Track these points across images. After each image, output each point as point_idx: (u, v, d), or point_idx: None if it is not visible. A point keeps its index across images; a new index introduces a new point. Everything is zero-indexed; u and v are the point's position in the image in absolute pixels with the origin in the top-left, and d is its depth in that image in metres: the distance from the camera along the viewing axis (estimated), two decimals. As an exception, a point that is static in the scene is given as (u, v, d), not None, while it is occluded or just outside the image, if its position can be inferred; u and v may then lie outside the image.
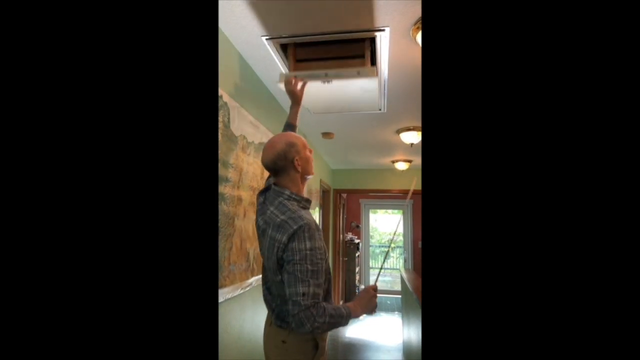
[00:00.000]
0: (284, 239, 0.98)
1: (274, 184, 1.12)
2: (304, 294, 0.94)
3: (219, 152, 1.44)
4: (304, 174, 1.13)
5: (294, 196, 1.09)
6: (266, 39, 1.50)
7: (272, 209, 1.07)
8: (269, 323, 1.14)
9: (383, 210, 7.10)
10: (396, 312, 5.34)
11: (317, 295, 0.96)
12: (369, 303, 1.16)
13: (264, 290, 1.17)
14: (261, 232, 1.09)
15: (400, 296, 4.47)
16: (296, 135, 1.16)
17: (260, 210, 1.12)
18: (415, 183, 1.43)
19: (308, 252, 0.96)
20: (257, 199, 1.18)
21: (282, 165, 1.09)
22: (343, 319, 1.00)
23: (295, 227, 0.98)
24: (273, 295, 1.11)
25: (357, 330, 4.45)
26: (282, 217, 1.02)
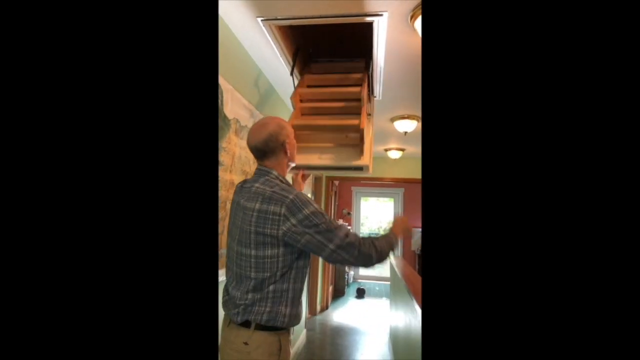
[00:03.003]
0: (282, 210, 0.94)
1: (260, 166, 1.09)
2: (347, 235, 0.98)
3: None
4: (290, 159, 1.12)
5: (281, 178, 1.07)
6: (262, 21, 1.47)
7: (257, 185, 1.02)
8: (226, 324, 1.04)
9: (375, 198, 7.17)
10: (384, 298, 5.44)
11: (354, 234, 1.01)
12: (405, 226, 1.22)
13: (224, 290, 1.09)
14: (240, 209, 1.03)
15: (388, 283, 4.55)
16: (284, 120, 1.15)
17: (239, 193, 1.08)
18: None
19: (317, 211, 0.97)
20: (235, 189, 1.15)
21: (272, 147, 1.06)
22: (392, 239, 1.10)
23: (290, 197, 0.96)
24: (241, 285, 1.01)
25: (345, 315, 4.53)
26: (272, 189, 0.99)
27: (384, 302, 5.20)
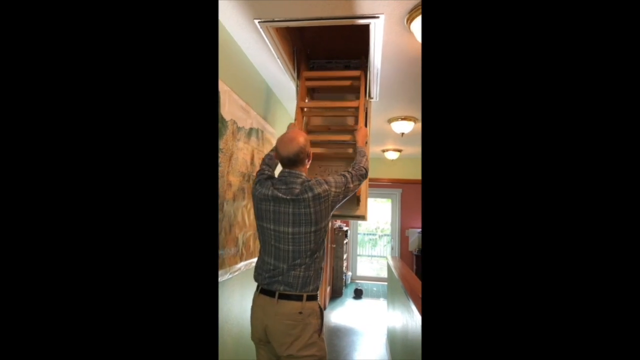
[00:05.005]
0: (325, 186, 1.33)
1: (291, 170, 1.37)
2: (350, 174, 1.44)
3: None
4: (307, 167, 1.43)
5: (308, 179, 1.40)
6: (259, 22, 1.47)
7: (298, 186, 1.33)
8: (273, 303, 1.29)
9: (372, 199, 7.17)
10: (381, 298, 5.45)
11: (349, 172, 1.46)
12: (365, 137, 1.70)
13: (268, 271, 1.35)
14: (282, 201, 1.32)
15: (386, 283, 4.56)
16: (304, 133, 1.48)
17: (271, 187, 1.35)
18: None
19: (337, 182, 1.39)
20: (263, 182, 1.40)
21: (302, 157, 1.36)
22: (365, 151, 1.59)
23: (321, 179, 1.37)
24: (297, 261, 1.31)
25: (343, 315, 4.53)
26: (311, 182, 1.34)
27: (382, 302, 5.20)
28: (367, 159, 1.55)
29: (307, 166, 1.43)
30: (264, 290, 1.33)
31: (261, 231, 1.38)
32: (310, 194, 1.30)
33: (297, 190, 1.31)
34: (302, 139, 1.37)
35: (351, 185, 1.41)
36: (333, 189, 1.35)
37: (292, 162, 1.36)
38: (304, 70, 1.92)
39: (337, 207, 1.41)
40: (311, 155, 1.44)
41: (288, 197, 1.31)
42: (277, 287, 1.31)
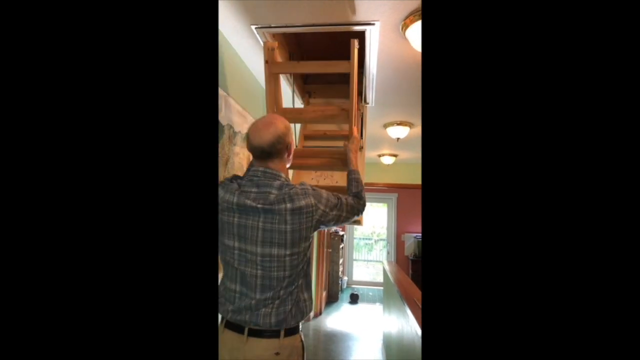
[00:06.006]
0: (312, 200, 1.02)
1: (265, 168, 1.03)
2: (346, 200, 1.14)
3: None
4: (289, 160, 1.12)
5: (288, 180, 1.07)
6: (256, 28, 1.49)
7: (274, 191, 1.00)
8: (242, 341, 0.97)
9: (368, 203, 7.20)
10: (377, 303, 5.44)
11: (344, 196, 1.16)
12: (355, 144, 1.37)
13: (230, 299, 1.02)
14: (254, 210, 0.99)
15: (382, 288, 4.56)
16: (285, 120, 1.11)
17: (237, 194, 1.00)
18: None
19: (330, 196, 1.10)
20: (227, 184, 1.04)
21: (279, 148, 1.03)
22: (360, 177, 1.27)
23: (308, 187, 1.05)
24: (266, 289, 0.99)
25: (339, 320, 4.52)
26: (294, 189, 1.02)
27: (378, 307, 5.19)
28: (364, 198, 1.23)
29: (288, 163, 1.12)
30: (229, 324, 1.00)
31: (222, 250, 1.04)
32: (288, 205, 0.98)
33: (272, 197, 0.98)
34: (281, 124, 1.04)
35: (343, 214, 1.10)
36: (322, 207, 1.03)
37: (266, 154, 1.02)
38: (300, 75, 1.93)
39: (323, 228, 1.11)
40: (292, 147, 1.10)
41: (259, 206, 0.98)
42: (246, 319, 0.98)
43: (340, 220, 1.11)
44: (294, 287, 1.02)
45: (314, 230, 1.05)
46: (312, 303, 1.10)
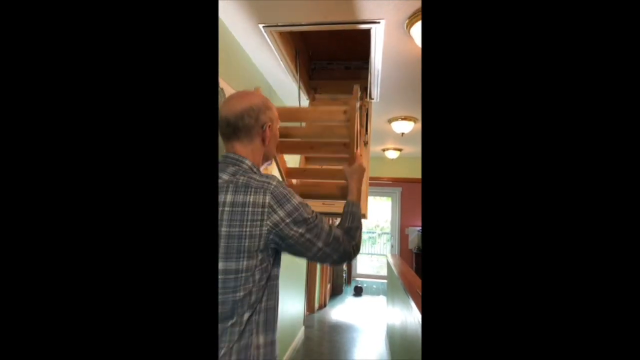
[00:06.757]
0: (267, 199, 0.73)
1: (228, 152, 0.82)
2: (330, 228, 0.82)
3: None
4: (267, 153, 0.87)
5: (255, 169, 0.81)
6: (263, 27, 1.52)
7: (224, 177, 0.77)
8: None
9: (372, 197, 7.23)
10: (381, 295, 5.50)
11: (331, 224, 0.85)
12: (359, 173, 1.02)
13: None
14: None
15: (385, 281, 4.61)
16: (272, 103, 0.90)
17: None
18: None
19: (303, 201, 0.80)
20: None
21: (248, 124, 0.80)
22: (359, 214, 0.93)
23: (273, 183, 0.76)
24: (222, 325, 0.71)
25: (343, 312, 4.59)
26: (245, 177, 0.76)
27: (382, 299, 5.26)
28: (359, 242, 0.89)
29: (263, 151, 0.85)
30: None
31: None
32: (228, 197, 0.74)
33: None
34: (258, 99, 0.83)
35: (318, 245, 0.78)
36: (280, 213, 0.74)
37: (231, 128, 0.80)
38: (306, 71, 1.96)
39: (287, 251, 0.79)
40: (273, 135, 0.87)
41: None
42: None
43: (310, 250, 0.77)
44: (241, 325, 0.71)
45: (269, 244, 0.74)
46: (270, 350, 0.75)
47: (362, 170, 1.04)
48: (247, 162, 0.81)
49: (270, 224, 0.73)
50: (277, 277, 0.80)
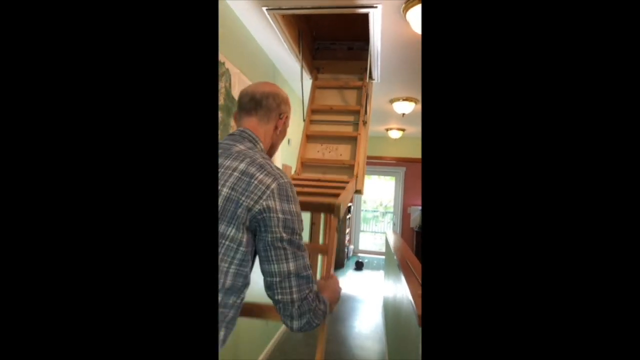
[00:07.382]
0: (273, 184, 0.74)
1: (244, 128, 0.85)
2: (308, 267, 0.76)
3: (221, 115, 1.58)
4: (274, 142, 0.91)
5: (265, 156, 0.82)
6: (267, 10, 1.59)
7: (242, 147, 0.80)
8: None
9: (376, 176, 7.32)
10: (380, 270, 5.70)
11: (312, 279, 0.76)
12: (336, 294, 0.93)
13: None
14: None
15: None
16: None
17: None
18: None
19: (301, 215, 0.78)
20: None
21: (271, 106, 0.86)
22: (326, 310, 0.81)
23: (285, 179, 0.77)
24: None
25: (344, 285, 4.77)
26: (264, 159, 0.78)
27: (381, 274, 5.45)
28: (319, 319, 0.77)
29: (273, 139, 0.89)
30: None
31: None
32: (242, 165, 0.75)
33: (232, 150, 0.79)
34: (283, 92, 0.91)
35: (290, 265, 0.73)
36: (277, 206, 0.73)
37: (254, 102, 0.85)
38: (309, 51, 2.03)
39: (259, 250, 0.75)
40: (285, 127, 0.91)
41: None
42: None
43: (278, 265, 0.73)
44: (235, 293, 0.72)
45: (253, 225, 0.73)
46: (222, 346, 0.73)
47: (335, 289, 0.93)
48: (261, 144, 0.85)
49: (264, 205, 0.72)
50: (248, 276, 0.76)
